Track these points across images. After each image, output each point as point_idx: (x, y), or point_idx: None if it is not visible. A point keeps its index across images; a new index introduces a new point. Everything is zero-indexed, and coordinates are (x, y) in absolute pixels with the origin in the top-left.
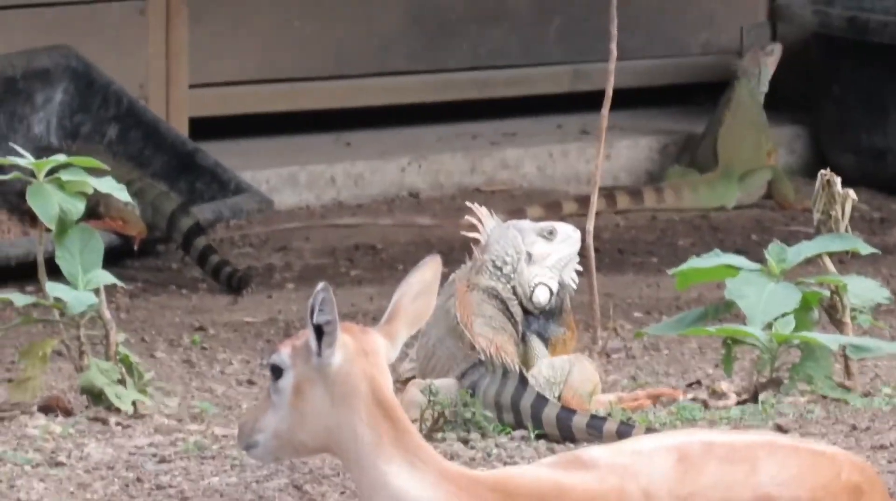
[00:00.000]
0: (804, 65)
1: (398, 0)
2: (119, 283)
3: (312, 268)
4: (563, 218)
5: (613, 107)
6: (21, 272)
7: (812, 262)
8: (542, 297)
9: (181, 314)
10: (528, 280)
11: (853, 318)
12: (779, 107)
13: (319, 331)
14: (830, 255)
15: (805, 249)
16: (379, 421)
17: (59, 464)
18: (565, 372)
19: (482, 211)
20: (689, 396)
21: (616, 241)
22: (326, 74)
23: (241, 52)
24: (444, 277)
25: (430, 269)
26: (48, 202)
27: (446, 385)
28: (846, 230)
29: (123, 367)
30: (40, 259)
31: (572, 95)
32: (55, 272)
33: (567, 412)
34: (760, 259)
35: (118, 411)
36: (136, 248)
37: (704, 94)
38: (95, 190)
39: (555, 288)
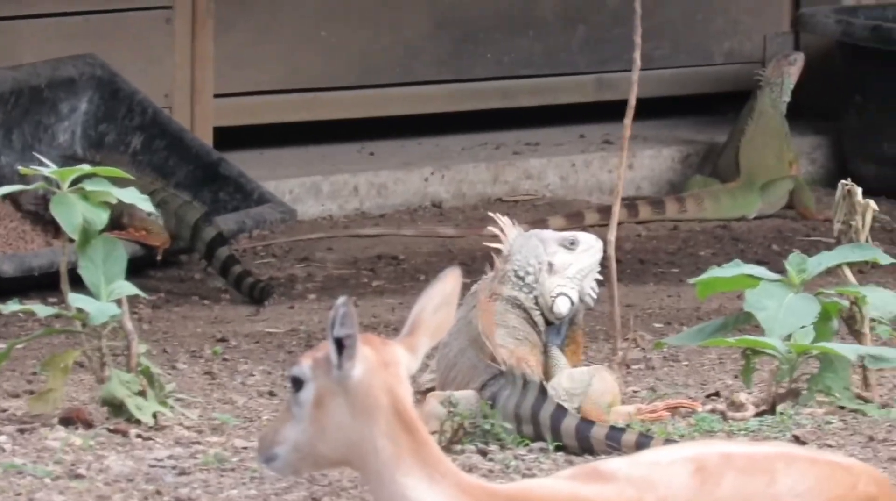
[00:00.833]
0: (827, 74)
1: (423, 9)
2: (141, 294)
3: (335, 279)
4: (585, 228)
5: (636, 116)
6: (44, 283)
7: (832, 272)
8: (563, 307)
9: (203, 324)
10: (550, 290)
11: (872, 329)
12: (801, 116)
13: (340, 344)
14: (850, 265)
15: (825, 259)
16: (398, 434)
17: (78, 476)
18: (585, 383)
19: (504, 221)
20: (708, 407)
21: (637, 251)
22: (350, 84)
23: (267, 62)
24: (467, 287)
25: (450, 281)
26: (72, 212)
27: (466, 397)
28: (866, 241)
29: (144, 378)
30: (63, 270)
31: (596, 104)
32: (78, 283)
33: (586, 423)
34: (781, 269)
35: (139, 423)
36: (159, 258)
37: (727, 103)
38: (119, 200)
39: (575, 299)
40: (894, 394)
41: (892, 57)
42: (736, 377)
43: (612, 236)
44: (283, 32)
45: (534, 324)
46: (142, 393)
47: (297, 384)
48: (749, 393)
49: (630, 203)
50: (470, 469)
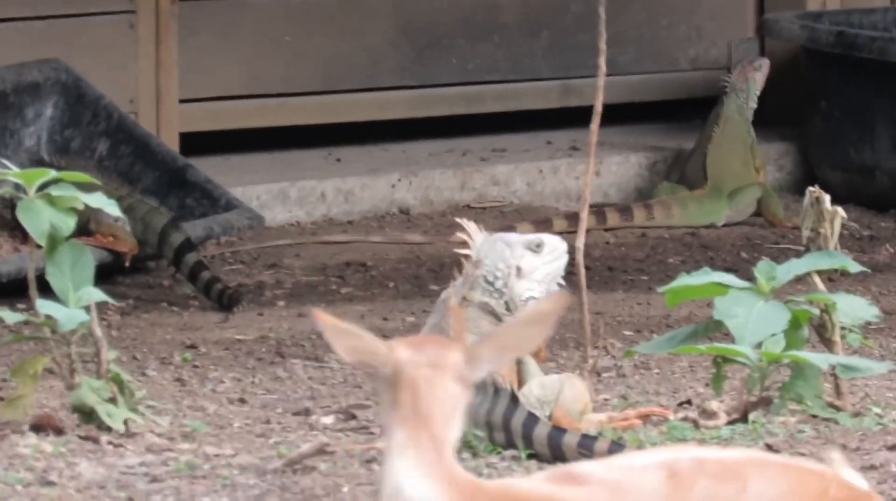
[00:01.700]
0: (792, 81)
1: (387, 15)
2: (110, 300)
3: (304, 286)
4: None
5: (603, 123)
6: (12, 289)
7: (801, 280)
8: None
9: (172, 331)
10: (519, 294)
11: (843, 337)
12: (767, 123)
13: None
14: (820, 273)
15: (794, 267)
16: (411, 425)
17: (49, 483)
18: (556, 391)
19: (471, 226)
20: (680, 415)
21: (606, 258)
22: (315, 89)
23: (231, 67)
24: (437, 294)
25: (550, 302)
26: (39, 218)
27: None
28: (835, 248)
29: (115, 385)
30: (31, 276)
31: (562, 110)
32: (47, 289)
33: (558, 431)
34: (750, 277)
35: (109, 429)
36: (127, 264)
37: (694, 109)
38: (86, 206)
39: None
40: (867, 403)
41: (856, 63)
42: (707, 385)
43: (580, 243)
44: (247, 38)
45: None
46: (112, 400)
47: None
48: (720, 401)
49: (598, 210)
50: None
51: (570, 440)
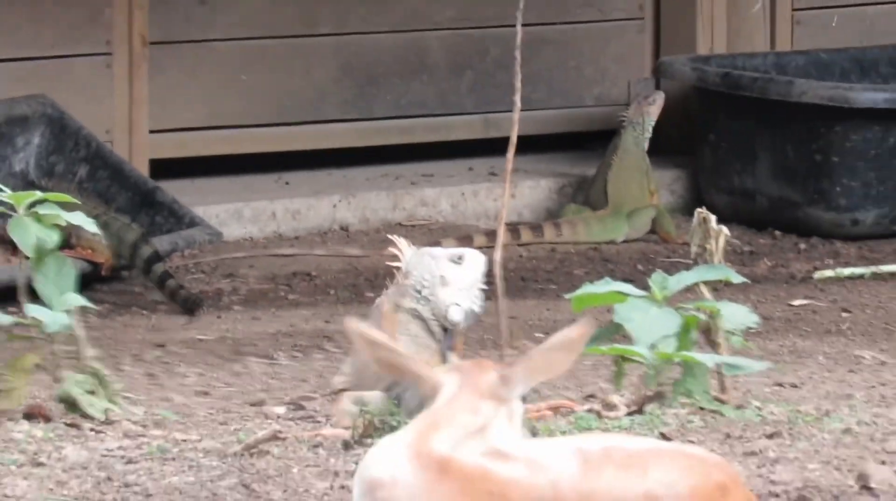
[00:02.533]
0: (684, 115)
1: (331, 57)
2: (90, 305)
3: (256, 292)
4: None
5: (518, 152)
6: (4, 296)
7: (690, 290)
8: (456, 315)
9: (143, 332)
10: (443, 301)
11: (727, 339)
12: (662, 152)
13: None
14: (706, 283)
15: (684, 278)
16: (422, 423)
17: (40, 464)
18: None
19: (402, 242)
20: (585, 407)
21: (520, 270)
22: (268, 122)
23: (195, 102)
24: (371, 301)
25: (578, 330)
26: (27, 233)
27: (375, 397)
28: (720, 262)
29: (95, 379)
30: (21, 284)
31: (483, 141)
32: (35, 296)
33: None
34: (646, 287)
35: (91, 418)
36: (103, 274)
37: (597, 140)
38: (68, 222)
39: (467, 307)
40: (748, 397)
41: (740, 100)
42: (609, 381)
43: (497, 256)
44: (209, 77)
45: (432, 333)
46: (93, 392)
47: None
48: (621, 395)
49: (513, 228)
50: None
51: None
